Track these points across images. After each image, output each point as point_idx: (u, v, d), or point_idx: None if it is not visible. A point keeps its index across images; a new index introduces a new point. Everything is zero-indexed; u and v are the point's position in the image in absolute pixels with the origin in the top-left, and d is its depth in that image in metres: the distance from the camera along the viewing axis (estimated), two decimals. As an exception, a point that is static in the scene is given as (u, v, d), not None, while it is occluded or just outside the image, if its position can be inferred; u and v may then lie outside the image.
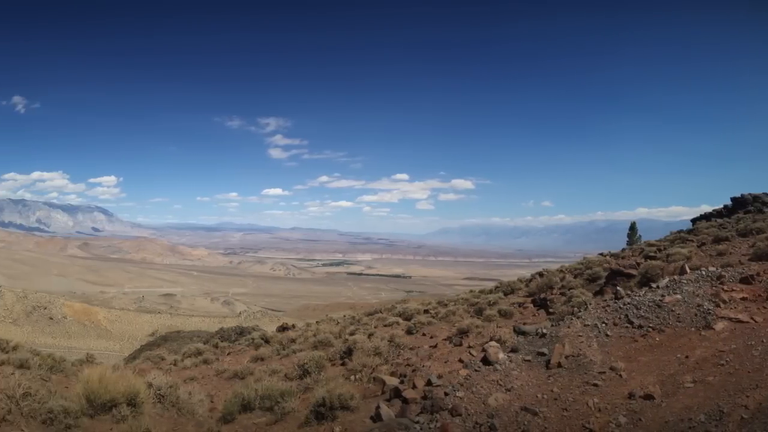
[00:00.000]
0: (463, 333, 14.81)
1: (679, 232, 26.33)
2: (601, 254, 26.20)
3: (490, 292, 25.05)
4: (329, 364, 14.92)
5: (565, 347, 9.42)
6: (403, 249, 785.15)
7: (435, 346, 14.34)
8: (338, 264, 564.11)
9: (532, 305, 18.79)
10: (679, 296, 10.28)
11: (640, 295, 10.86)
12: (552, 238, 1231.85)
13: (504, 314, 18.07)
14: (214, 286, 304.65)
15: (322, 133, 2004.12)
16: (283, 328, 30.66)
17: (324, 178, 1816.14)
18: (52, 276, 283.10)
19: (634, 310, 10.12)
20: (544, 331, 10.46)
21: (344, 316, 35.35)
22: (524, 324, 13.42)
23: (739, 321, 9.25)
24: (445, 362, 11.87)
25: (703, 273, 11.54)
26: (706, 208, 35.62)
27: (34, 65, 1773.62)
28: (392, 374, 12.06)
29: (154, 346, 43.09)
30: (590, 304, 12.55)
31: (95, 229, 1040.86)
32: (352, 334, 19.51)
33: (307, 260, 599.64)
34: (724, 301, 9.92)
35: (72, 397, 9.93)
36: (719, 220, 26.78)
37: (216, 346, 25.63)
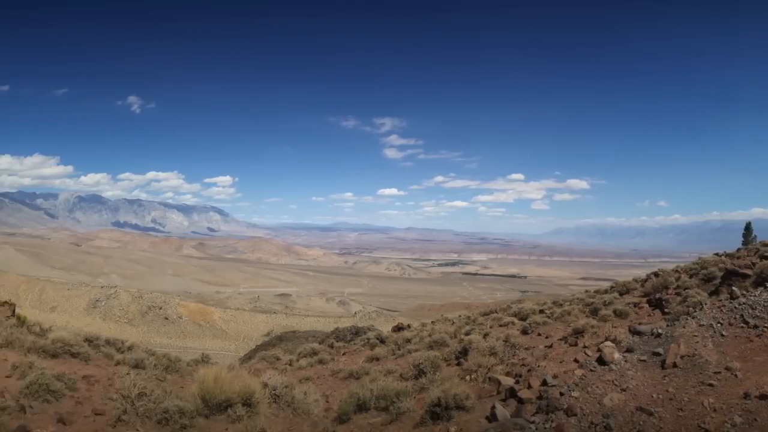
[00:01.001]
0: (579, 333, 14.75)
1: (795, 231, 25.10)
2: (717, 254, 25.21)
3: (606, 292, 24.60)
4: (444, 364, 14.96)
5: (681, 347, 9.41)
6: (518, 249, 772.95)
7: (550, 346, 14.38)
8: (453, 264, 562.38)
9: (647, 305, 18.46)
10: (795, 296, 10.10)
11: (755, 295, 10.68)
12: (667, 238, 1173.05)
13: (619, 314, 17.79)
14: (330, 286, 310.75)
15: (438, 133, 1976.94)
16: (398, 328, 30.75)
17: (439, 178, 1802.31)
18: (167, 276, 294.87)
19: (750, 310, 10.00)
20: (660, 331, 10.48)
21: (459, 316, 35.14)
22: (639, 324, 13.34)
23: None
24: (561, 362, 11.86)
25: (819, 272, 11.26)
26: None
27: (149, 66, 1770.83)
28: (507, 374, 12.13)
29: (270, 346, 44.49)
30: (705, 304, 12.38)
31: (211, 229, 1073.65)
32: (467, 334, 19.49)
33: (422, 260, 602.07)
34: (841, 300, 9.69)
35: (187, 397, 10.23)
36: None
37: (331, 346, 26.08)
